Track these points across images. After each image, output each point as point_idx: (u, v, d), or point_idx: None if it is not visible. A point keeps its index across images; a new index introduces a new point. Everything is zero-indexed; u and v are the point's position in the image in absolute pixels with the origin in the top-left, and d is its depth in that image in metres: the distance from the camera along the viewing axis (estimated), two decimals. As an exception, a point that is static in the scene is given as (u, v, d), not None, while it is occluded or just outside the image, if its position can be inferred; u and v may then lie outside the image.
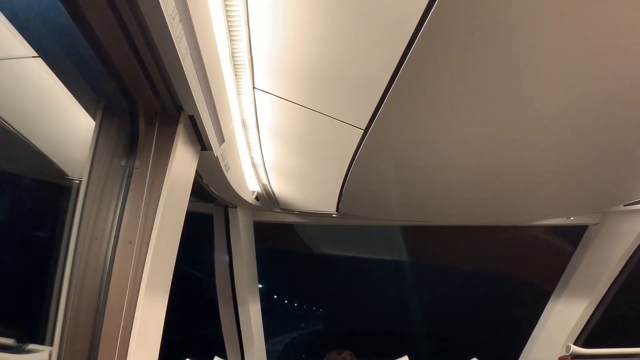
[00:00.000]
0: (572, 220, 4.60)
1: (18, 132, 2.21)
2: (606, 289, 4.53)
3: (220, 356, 4.14)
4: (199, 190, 3.13)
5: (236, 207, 4.38)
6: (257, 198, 4.04)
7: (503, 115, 2.03)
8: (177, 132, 1.73)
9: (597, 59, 1.58)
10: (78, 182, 1.69)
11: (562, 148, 2.40)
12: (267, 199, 4.07)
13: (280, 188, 3.77)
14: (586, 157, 2.50)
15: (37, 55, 1.59)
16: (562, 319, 4.74)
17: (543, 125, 2.13)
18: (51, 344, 1.55)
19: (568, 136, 2.24)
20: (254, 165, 3.20)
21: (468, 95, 1.86)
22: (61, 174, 2.49)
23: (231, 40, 1.73)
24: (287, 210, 4.65)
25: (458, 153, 2.49)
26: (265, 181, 3.55)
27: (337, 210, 4.18)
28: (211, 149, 2.09)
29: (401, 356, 4.17)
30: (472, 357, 4.23)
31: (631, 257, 4.38)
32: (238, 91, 2.13)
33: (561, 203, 3.78)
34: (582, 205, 3.93)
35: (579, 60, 1.60)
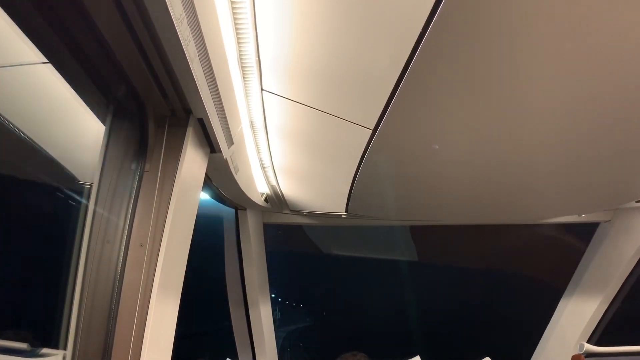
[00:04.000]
0: (583, 217, 4.57)
1: (29, 138, 2.23)
2: (619, 286, 4.48)
3: (231, 356, 4.14)
4: (209, 193, 3.14)
5: (246, 209, 4.39)
6: (266, 200, 4.05)
7: (512, 113, 2.02)
8: (186, 135, 1.74)
9: (604, 54, 1.57)
10: (89, 186, 1.70)
11: (572, 145, 2.38)
12: (276, 200, 4.08)
13: (290, 189, 3.77)
14: (597, 153, 2.48)
15: (47, 61, 1.60)
16: (575, 317, 4.70)
17: (553, 122, 2.12)
18: (65, 348, 1.56)
19: (577, 132, 2.23)
20: (262, 167, 3.20)
21: (476, 93, 1.85)
22: (72, 179, 2.51)
23: (239, 42, 1.74)
24: (297, 211, 4.66)
25: (467, 151, 2.48)
26: (274, 183, 3.55)
27: (346, 211, 4.17)
28: (220, 152, 2.10)
29: (413, 356, 4.16)
30: (484, 357, 4.21)
31: (643, 254, 4.33)
32: (246, 93, 2.13)
33: (572, 200, 3.75)
34: (593, 203, 3.90)
35: (585, 56, 1.59)
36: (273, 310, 5.16)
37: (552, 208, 4.17)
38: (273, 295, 5.08)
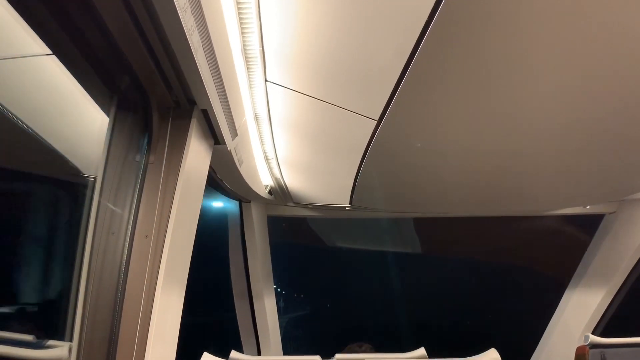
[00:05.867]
0: (588, 209, 4.55)
1: (33, 130, 2.23)
2: (624, 278, 4.48)
3: (235, 348, 4.16)
4: (213, 185, 3.14)
5: (250, 202, 4.39)
6: (270, 192, 4.04)
7: (517, 103, 2.01)
8: (190, 127, 1.73)
9: (610, 42, 1.56)
10: (93, 179, 1.70)
11: (577, 136, 2.37)
12: (280, 193, 4.07)
13: (294, 182, 3.77)
14: (602, 145, 2.47)
15: (50, 53, 1.59)
16: (580, 309, 4.70)
17: (558, 114, 2.11)
18: (70, 340, 1.57)
19: (583, 124, 2.22)
20: (266, 159, 3.20)
21: (482, 83, 1.84)
22: (76, 171, 2.51)
23: (242, 32, 1.72)
24: (301, 204, 4.65)
25: (472, 143, 2.47)
26: (278, 175, 3.54)
27: (350, 203, 4.17)
28: (224, 143, 2.09)
29: (417, 347, 4.16)
30: (489, 348, 4.21)
31: (648, 245, 4.32)
32: (250, 84, 2.12)
33: (577, 192, 3.74)
34: (598, 194, 3.89)
35: (591, 45, 1.57)
36: (277, 302, 5.17)
37: (557, 199, 4.16)
38: (278, 289, 5.10)
